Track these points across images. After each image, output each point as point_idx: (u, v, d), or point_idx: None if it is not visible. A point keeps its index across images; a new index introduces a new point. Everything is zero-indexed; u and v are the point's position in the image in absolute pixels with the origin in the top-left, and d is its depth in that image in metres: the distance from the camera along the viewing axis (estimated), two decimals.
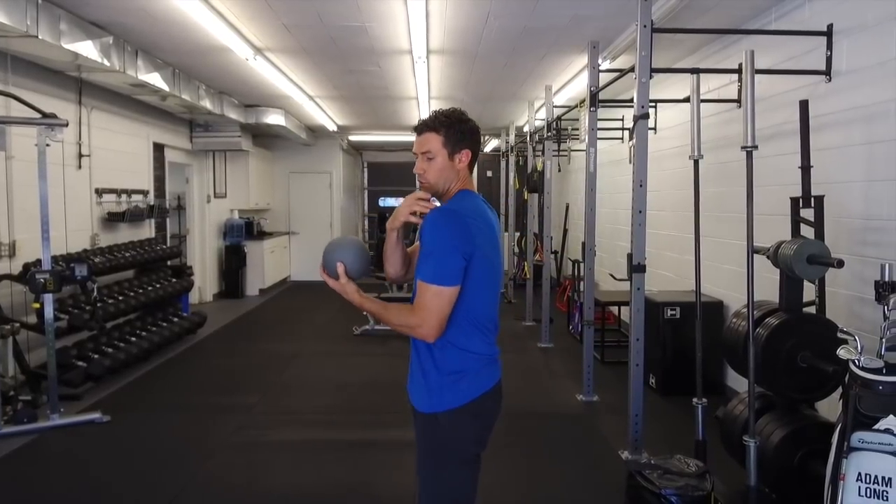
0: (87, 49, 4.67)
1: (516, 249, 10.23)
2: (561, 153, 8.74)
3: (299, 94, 7.51)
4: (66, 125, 4.43)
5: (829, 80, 3.71)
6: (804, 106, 3.33)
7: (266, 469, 3.73)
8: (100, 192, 6.26)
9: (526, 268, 8.53)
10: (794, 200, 3.33)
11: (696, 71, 3.61)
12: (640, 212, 3.67)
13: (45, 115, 4.33)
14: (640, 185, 3.66)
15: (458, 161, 1.93)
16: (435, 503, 1.94)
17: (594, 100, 4.64)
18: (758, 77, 3.08)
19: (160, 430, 4.38)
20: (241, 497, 3.44)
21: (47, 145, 4.35)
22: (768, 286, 3.42)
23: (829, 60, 3.70)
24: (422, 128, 1.93)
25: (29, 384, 4.72)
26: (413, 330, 1.82)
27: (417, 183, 1.99)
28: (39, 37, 4.13)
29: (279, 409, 4.87)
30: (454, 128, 1.91)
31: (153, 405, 4.91)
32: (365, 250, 1.98)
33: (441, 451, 1.90)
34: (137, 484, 3.56)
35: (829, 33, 3.69)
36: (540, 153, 7.22)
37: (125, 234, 6.77)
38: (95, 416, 4.43)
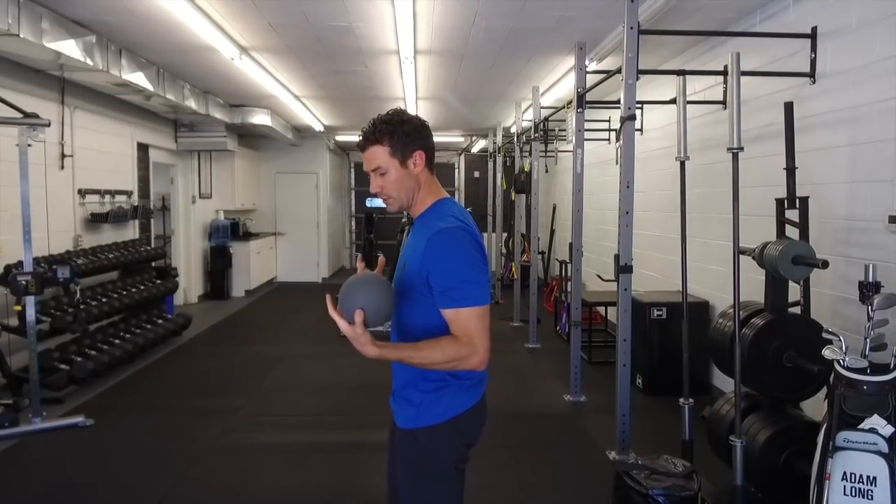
0: (70, 48, 4.61)
1: (504, 250, 10.24)
2: (548, 154, 8.77)
3: (285, 94, 7.47)
4: (49, 125, 4.36)
5: (814, 82, 3.75)
6: (789, 108, 3.35)
7: (252, 472, 3.70)
8: (83, 193, 6.19)
9: (513, 268, 8.54)
10: (780, 201, 3.36)
11: (682, 73, 3.63)
12: (627, 213, 3.68)
13: (26, 114, 4.27)
14: (627, 186, 3.67)
15: (413, 165, 1.77)
16: None
17: (581, 101, 4.65)
18: (743, 79, 3.10)
19: (144, 433, 4.33)
20: (227, 501, 3.41)
21: (29, 145, 4.28)
22: (754, 287, 3.45)
23: (813, 62, 3.73)
24: (364, 143, 1.76)
25: (10, 388, 4.66)
26: (464, 361, 1.66)
27: (381, 200, 1.83)
28: (21, 35, 4.07)
29: (265, 411, 4.84)
30: (396, 132, 1.75)
31: (137, 408, 4.85)
32: (391, 293, 1.70)
33: (418, 468, 1.82)
34: (121, 489, 3.52)
35: (813, 36, 3.73)
36: (527, 154, 7.23)
37: (109, 235, 6.69)
38: (78, 419, 4.37)
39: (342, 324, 1.61)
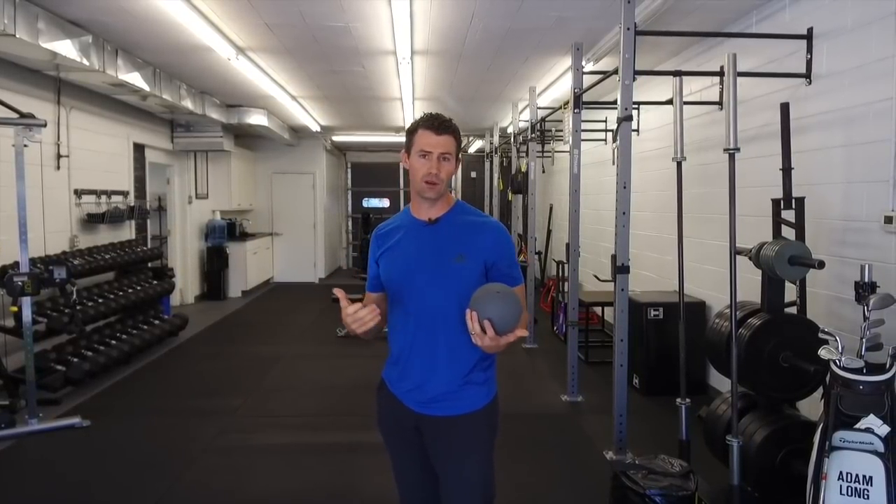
0: (66, 48, 4.60)
1: None
2: (545, 154, 8.78)
3: (282, 95, 7.46)
4: (45, 125, 4.35)
5: (810, 82, 3.76)
6: (785, 108, 3.36)
7: (249, 473, 3.70)
8: (79, 193, 6.17)
9: None
10: (776, 202, 3.37)
11: (678, 73, 3.64)
12: (624, 213, 3.68)
13: (22, 114, 4.26)
14: (624, 187, 3.68)
15: (456, 167, 2.02)
16: (488, 491, 2.08)
17: (578, 101, 4.65)
18: (739, 79, 3.10)
19: (141, 434, 4.32)
20: (224, 502, 3.40)
21: (25, 146, 4.27)
22: (750, 287, 3.45)
23: (809, 63, 3.75)
24: (445, 128, 1.93)
25: (7, 389, 4.64)
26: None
27: (423, 183, 1.89)
28: (17, 35, 4.06)
29: (262, 412, 4.83)
30: (459, 136, 2.02)
31: (134, 409, 4.84)
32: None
33: (491, 439, 2.08)
34: (118, 490, 3.51)
35: (809, 36, 3.74)
36: (524, 154, 7.24)
37: (105, 235, 6.68)
38: (75, 420, 4.36)
39: (491, 339, 1.79)
